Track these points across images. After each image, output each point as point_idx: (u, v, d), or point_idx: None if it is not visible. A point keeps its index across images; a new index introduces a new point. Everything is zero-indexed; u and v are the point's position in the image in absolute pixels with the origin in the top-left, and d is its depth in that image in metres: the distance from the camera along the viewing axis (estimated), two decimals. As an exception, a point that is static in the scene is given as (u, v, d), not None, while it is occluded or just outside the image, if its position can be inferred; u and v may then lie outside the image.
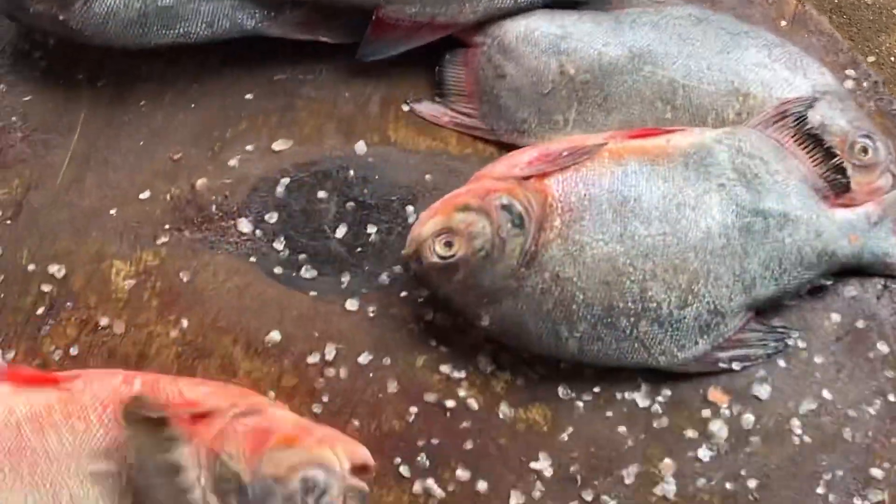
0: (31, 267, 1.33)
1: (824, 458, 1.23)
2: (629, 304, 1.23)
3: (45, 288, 1.31)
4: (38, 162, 1.41)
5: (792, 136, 1.32)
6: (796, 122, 1.32)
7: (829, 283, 1.32)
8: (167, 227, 1.36)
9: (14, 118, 1.44)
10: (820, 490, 1.21)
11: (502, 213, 1.23)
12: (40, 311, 1.30)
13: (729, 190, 1.27)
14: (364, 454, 1.08)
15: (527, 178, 1.27)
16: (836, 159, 1.31)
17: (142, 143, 1.42)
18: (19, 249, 1.34)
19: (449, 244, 1.23)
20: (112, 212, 1.37)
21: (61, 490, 1.03)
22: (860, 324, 1.30)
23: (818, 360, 1.28)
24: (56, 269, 1.33)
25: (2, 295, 1.31)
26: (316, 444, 1.06)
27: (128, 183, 1.39)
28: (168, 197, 1.38)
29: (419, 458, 1.22)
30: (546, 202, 1.25)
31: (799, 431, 1.24)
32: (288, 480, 1.03)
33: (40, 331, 1.29)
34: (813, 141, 1.32)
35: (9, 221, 1.36)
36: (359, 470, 1.08)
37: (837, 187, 1.32)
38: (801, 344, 1.29)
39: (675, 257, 1.24)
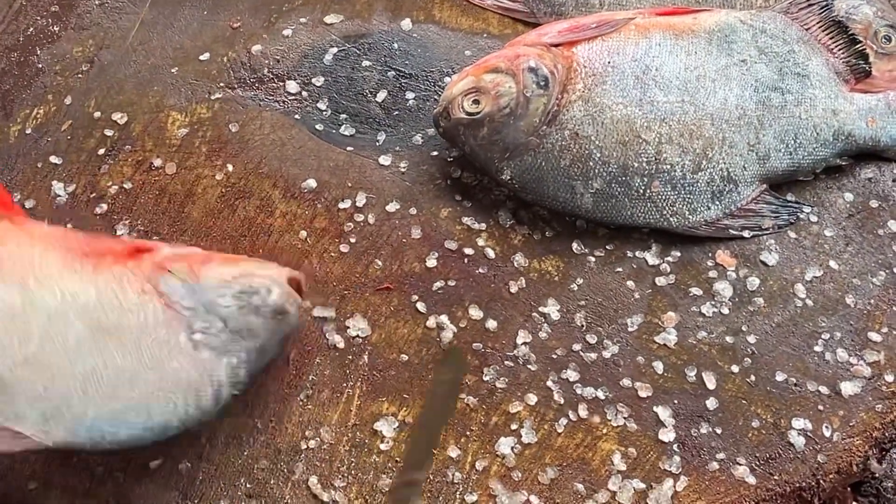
0: (96, 114, 1.45)
1: (824, 320, 1.26)
2: (644, 164, 1.29)
3: (108, 132, 1.43)
4: (111, 25, 1.53)
5: (817, 23, 1.36)
6: (822, 9, 1.37)
7: (844, 163, 1.35)
8: (222, 85, 1.46)
9: (93, -13, 1.56)
10: (818, 348, 1.25)
11: (528, 74, 1.30)
12: (101, 151, 1.41)
13: (750, 66, 1.32)
14: (296, 272, 1.18)
15: (556, 45, 1.33)
16: (858, 45, 1.35)
17: (205, 12, 1.53)
18: (88, 99, 1.46)
19: (476, 102, 1.31)
20: (173, 70, 1.48)
21: (28, 279, 1.09)
22: (873, 203, 1.34)
23: (828, 233, 1.32)
24: (119, 117, 1.44)
25: (69, 137, 1.43)
26: (251, 262, 1.18)
27: (190, 46, 1.50)
28: (225, 59, 1.48)
29: (435, 297, 1.29)
30: (571, 67, 1.31)
31: (802, 295, 1.28)
32: (233, 284, 1.13)
33: (100, 168, 1.40)
34: (837, 27, 1.36)
35: (80, 75, 1.48)
36: (294, 284, 1.18)
37: (859, 73, 1.36)
38: (812, 218, 1.33)
39: (692, 123, 1.29)
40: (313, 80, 1.46)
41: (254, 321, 1.12)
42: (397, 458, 1.19)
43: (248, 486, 1.17)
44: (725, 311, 1.27)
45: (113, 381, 1.07)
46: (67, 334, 1.07)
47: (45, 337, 1.06)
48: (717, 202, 1.31)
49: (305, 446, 1.19)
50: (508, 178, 1.31)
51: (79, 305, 1.08)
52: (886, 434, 1.21)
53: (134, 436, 1.09)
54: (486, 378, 1.23)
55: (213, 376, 1.11)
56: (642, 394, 1.22)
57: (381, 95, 1.44)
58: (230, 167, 1.39)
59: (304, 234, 1.34)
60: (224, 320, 1.11)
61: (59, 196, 1.37)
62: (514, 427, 1.20)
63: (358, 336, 1.25)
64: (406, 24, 1.49)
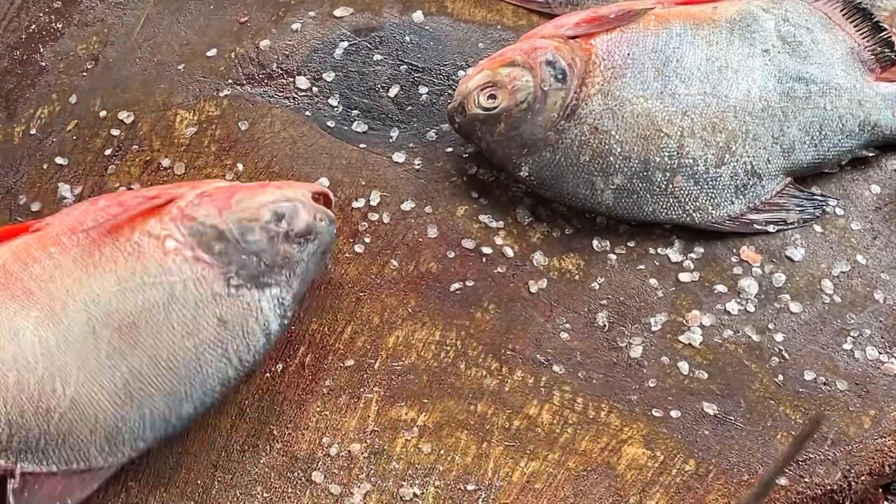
0: (102, 113, 1.41)
1: (853, 316, 1.23)
2: (665, 159, 1.25)
3: (115, 132, 1.40)
4: (116, 21, 1.50)
5: (840, 10, 1.33)
6: (846, -4, 1.33)
7: (870, 154, 1.32)
8: (230, 81, 1.43)
9: (96, -18, 1.53)
10: (846, 346, 1.22)
11: (546, 67, 1.27)
12: (108, 151, 1.38)
13: (773, 56, 1.29)
14: (320, 186, 1.19)
15: (574, 37, 1.30)
16: (883, 33, 1.32)
17: (212, 7, 1.50)
18: (93, 98, 1.43)
19: (493, 97, 1.27)
20: (180, 67, 1.44)
21: (55, 302, 1.08)
22: (901, 195, 1.31)
23: (855, 226, 1.29)
24: (125, 116, 1.41)
25: (74, 137, 1.39)
26: (275, 187, 1.17)
27: (196, 41, 1.47)
28: (233, 55, 1.45)
29: (453, 298, 1.25)
30: (590, 60, 1.28)
31: (830, 291, 1.25)
32: (259, 216, 1.12)
33: (107, 169, 1.37)
34: (861, 15, 1.33)
35: (84, 73, 1.45)
36: (320, 198, 1.18)
37: (884, 61, 1.32)
38: (839, 211, 1.30)
39: (714, 116, 1.26)
40: (324, 76, 1.42)
41: (287, 248, 1.12)
42: (417, 465, 1.16)
43: (264, 494, 1.15)
44: (751, 308, 1.24)
45: (154, 371, 1.07)
46: (99, 351, 1.07)
47: (82, 367, 1.06)
48: (741, 196, 1.28)
49: (323, 453, 1.16)
50: (526, 174, 1.28)
51: (102, 312, 1.07)
52: (919, 433, 1.18)
53: (198, 404, 1.10)
54: (506, 381, 1.20)
55: (258, 313, 1.11)
56: (668, 396, 1.19)
57: (394, 90, 1.41)
58: (240, 167, 1.36)
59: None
60: (257, 255, 1.11)
61: (66, 198, 1.34)
62: (537, 431, 1.17)
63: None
64: (418, 16, 1.46)
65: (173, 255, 1.10)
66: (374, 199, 1.33)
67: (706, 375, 1.20)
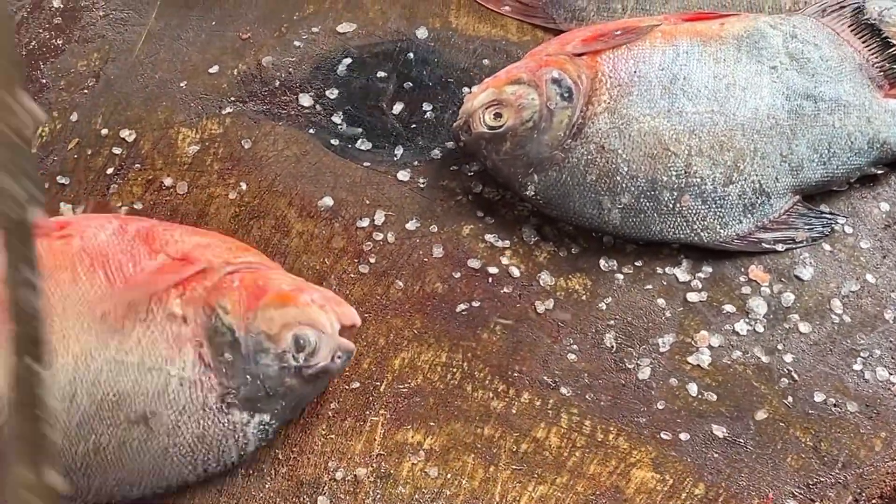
0: (104, 131, 1.40)
1: (863, 336, 1.22)
2: (673, 178, 1.24)
3: (116, 150, 1.38)
4: (117, 38, 1.48)
5: (849, 26, 1.32)
6: (854, 12, 1.32)
7: (880, 171, 1.31)
8: (232, 98, 1.42)
9: (97, -2, 1.52)
10: (857, 367, 1.21)
11: (552, 86, 1.26)
12: (110, 170, 1.37)
13: (781, 73, 1.28)
14: (353, 316, 1.12)
15: (579, 55, 1.29)
16: (892, 49, 1.31)
17: (214, 23, 1.48)
18: (94, 116, 1.41)
19: (498, 115, 1.26)
20: (182, 84, 1.43)
21: None
22: (910, 213, 1.30)
23: (864, 245, 1.28)
24: (127, 134, 1.39)
25: (76, 156, 1.38)
26: (308, 304, 1.10)
27: (198, 58, 1.45)
28: (235, 72, 1.44)
29: (459, 319, 1.24)
30: (596, 77, 1.27)
31: (839, 311, 1.24)
32: (280, 338, 1.07)
33: (109, 189, 1.35)
34: (870, 31, 1.32)
35: (85, 91, 1.44)
36: (347, 329, 1.12)
37: (893, 77, 1.31)
38: (847, 230, 1.29)
39: (722, 134, 1.25)
40: (327, 93, 1.41)
41: (294, 383, 1.08)
42: (424, 489, 1.14)
43: (270, 520, 1.13)
44: (760, 328, 1.23)
45: (117, 455, 1.04)
46: (71, 418, 1.02)
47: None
48: (749, 215, 1.26)
49: (329, 478, 1.15)
50: (533, 193, 1.27)
51: (90, 378, 1.02)
52: (930, 456, 1.17)
53: (147, 493, 1.07)
54: (513, 403, 1.19)
55: (240, 435, 1.07)
56: (676, 418, 1.18)
57: (398, 108, 1.39)
58: (244, 185, 1.34)
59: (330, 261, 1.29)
60: (262, 380, 1.07)
61: (68, 218, 1.32)
62: (544, 454, 1.16)
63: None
64: (422, 32, 1.45)
65: (182, 347, 1.05)
66: (379, 218, 1.31)
67: (715, 397, 1.19)
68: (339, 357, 1.10)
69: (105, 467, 1.04)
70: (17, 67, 0.91)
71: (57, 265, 1.06)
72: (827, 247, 1.28)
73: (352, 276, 1.28)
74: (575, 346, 1.23)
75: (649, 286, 1.27)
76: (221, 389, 1.05)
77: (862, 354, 1.21)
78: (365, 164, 1.36)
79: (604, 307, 1.25)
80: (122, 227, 1.12)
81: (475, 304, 1.26)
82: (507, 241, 1.30)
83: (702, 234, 1.26)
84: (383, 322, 1.25)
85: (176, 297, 1.07)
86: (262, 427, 1.08)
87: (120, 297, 1.05)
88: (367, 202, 1.33)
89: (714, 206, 1.25)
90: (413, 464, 1.16)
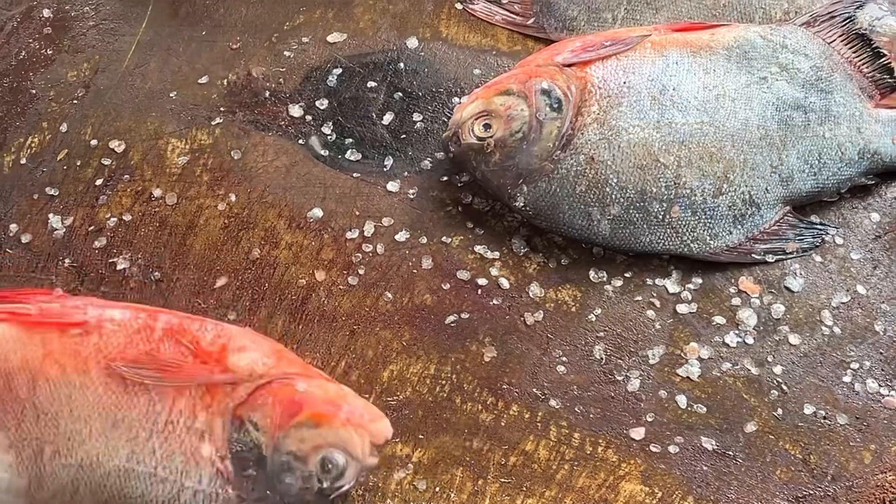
0: (93, 142, 1.40)
1: (853, 348, 1.22)
2: (662, 189, 1.24)
3: (106, 161, 1.38)
4: (107, 48, 1.48)
5: (839, 36, 1.31)
6: (844, 22, 1.31)
7: (870, 182, 1.31)
8: (222, 109, 1.41)
9: (87, 8, 1.51)
10: (846, 379, 1.20)
11: (541, 97, 1.26)
12: (99, 181, 1.36)
13: (771, 84, 1.27)
14: (386, 434, 1.07)
15: (569, 65, 1.28)
16: (883, 59, 1.30)
17: (204, 32, 1.48)
18: (84, 126, 1.41)
19: (487, 126, 1.26)
20: (172, 94, 1.43)
21: (46, 444, 0.99)
22: (901, 224, 1.29)
23: (855, 256, 1.27)
24: (116, 145, 1.39)
25: (65, 167, 1.38)
26: (342, 424, 1.04)
27: (188, 69, 1.45)
28: (225, 82, 1.43)
29: (448, 331, 1.24)
30: (585, 88, 1.26)
31: (829, 323, 1.23)
32: (308, 459, 1.03)
33: (98, 199, 1.35)
34: (860, 41, 1.31)
35: (75, 101, 1.43)
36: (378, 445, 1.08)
37: (883, 87, 1.31)
38: (838, 240, 1.29)
39: (712, 145, 1.24)
40: (317, 103, 1.41)
41: (312, 499, 1.04)
42: (412, 502, 1.14)
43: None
44: (750, 340, 1.23)
45: None
46: None
47: None
48: (739, 226, 1.26)
49: (317, 491, 1.15)
50: (522, 204, 1.26)
51: (95, 481, 0.98)
52: (920, 468, 1.16)
53: None
54: (502, 416, 1.18)
55: None
56: (666, 430, 1.17)
57: (388, 118, 1.39)
58: (233, 197, 1.34)
59: (319, 273, 1.29)
60: (282, 497, 1.03)
61: (57, 229, 1.32)
62: (533, 467, 1.16)
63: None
64: (412, 42, 1.44)
65: (202, 463, 1.01)
66: (368, 229, 1.31)
67: (704, 409, 1.19)
68: (360, 478, 1.07)
69: None
70: None
71: (68, 365, 1.01)
72: (817, 258, 1.27)
73: (341, 287, 1.27)
74: (564, 358, 1.22)
75: (639, 297, 1.26)
76: (238, 500, 1.02)
77: (852, 366, 1.21)
78: (354, 174, 1.35)
79: (593, 319, 1.25)
80: (149, 324, 1.05)
81: (464, 315, 1.25)
82: (497, 253, 1.29)
83: (692, 245, 1.26)
84: (372, 334, 1.24)
85: (202, 410, 1.02)
86: None
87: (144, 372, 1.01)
88: (357, 213, 1.33)
89: (704, 217, 1.25)
90: (402, 477, 1.16)
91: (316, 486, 1.03)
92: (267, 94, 1.42)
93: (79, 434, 0.99)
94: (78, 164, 1.38)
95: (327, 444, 1.03)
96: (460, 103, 1.32)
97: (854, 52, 1.31)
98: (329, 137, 1.38)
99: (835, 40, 1.31)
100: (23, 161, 1.38)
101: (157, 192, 1.35)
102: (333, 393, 1.07)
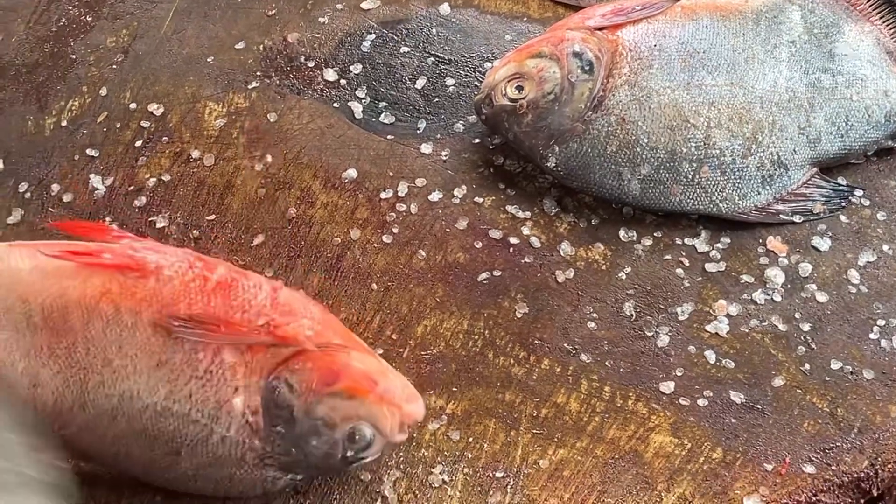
0: (132, 105, 1.43)
1: (879, 306, 1.24)
2: (692, 149, 1.26)
3: (145, 124, 1.41)
4: (145, 15, 1.51)
5: (866, 1, 1.33)
6: (872, -13, 1.33)
7: (897, 145, 1.33)
8: (258, 73, 1.44)
9: (125, -24, 1.54)
10: (873, 335, 1.22)
11: (573, 59, 1.28)
12: (139, 143, 1.39)
13: (799, 47, 1.29)
14: (419, 414, 1.09)
15: (600, 28, 1.31)
16: (910, 24, 1.32)
17: (240, 0, 1.51)
18: (123, 90, 1.44)
19: (520, 88, 1.28)
20: (209, 59, 1.46)
21: (91, 373, 1.04)
22: (927, 185, 1.31)
23: (881, 217, 1.30)
24: (155, 108, 1.42)
25: (105, 129, 1.41)
26: (375, 400, 1.06)
27: (225, 34, 1.48)
28: (261, 48, 1.46)
29: (481, 288, 1.26)
30: (617, 51, 1.29)
31: (856, 281, 1.25)
32: (337, 428, 1.05)
33: (137, 161, 1.38)
34: (887, 5, 1.33)
35: (114, 66, 1.46)
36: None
37: (910, 51, 1.32)
38: (864, 202, 1.31)
39: (741, 107, 1.27)
40: (351, 68, 1.44)
41: (337, 465, 1.07)
42: (446, 452, 1.17)
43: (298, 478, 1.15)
44: (778, 298, 1.25)
45: (144, 469, 1.07)
46: (104, 439, 1.05)
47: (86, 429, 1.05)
48: (768, 187, 1.28)
49: (353, 441, 1.17)
50: (553, 165, 1.29)
51: (134, 410, 1.03)
52: (945, 422, 1.18)
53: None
54: (534, 370, 1.21)
55: (269, 485, 1.07)
56: (695, 384, 1.20)
57: (421, 82, 1.42)
58: (269, 158, 1.37)
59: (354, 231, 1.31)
60: (307, 456, 1.05)
61: (98, 189, 1.35)
62: (564, 419, 1.18)
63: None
64: (444, 8, 1.47)
65: (233, 413, 1.04)
66: (402, 190, 1.34)
67: (733, 364, 1.21)
68: (385, 453, 1.10)
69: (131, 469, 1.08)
70: None
71: (123, 306, 1.04)
72: (844, 219, 1.30)
73: (375, 245, 1.30)
74: (595, 315, 1.25)
75: (668, 256, 1.28)
76: (262, 453, 1.05)
77: (878, 323, 1.23)
78: (388, 137, 1.38)
79: (623, 277, 1.27)
80: (205, 275, 1.07)
81: (496, 273, 1.28)
82: (528, 213, 1.32)
83: (720, 205, 1.28)
84: (406, 291, 1.27)
85: (241, 365, 1.04)
86: (291, 483, 1.08)
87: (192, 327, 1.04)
88: (391, 174, 1.35)
89: (733, 177, 1.27)
90: (436, 428, 1.18)
91: (340, 453, 1.06)
92: (302, 58, 1.45)
93: (124, 369, 1.03)
94: (118, 126, 1.41)
95: (358, 417, 1.05)
96: (492, 67, 1.34)
97: (881, 17, 1.33)
98: (363, 101, 1.41)
99: (862, 5, 1.33)
100: (63, 123, 1.42)
101: (195, 154, 1.38)
102: (373, 368, 1.09)
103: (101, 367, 1.03)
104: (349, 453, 1.06)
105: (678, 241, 1.29)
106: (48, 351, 1.03)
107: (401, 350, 1.23)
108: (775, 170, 1.28)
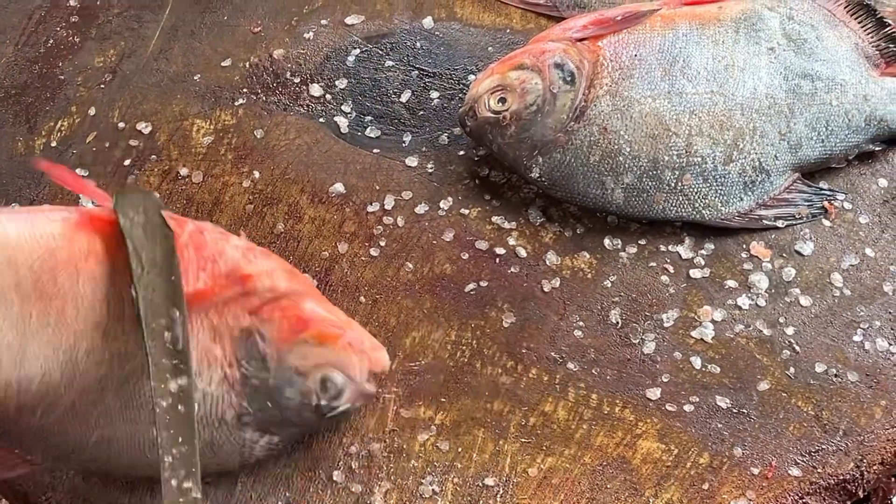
0: (121, 124, 1.44)
1: (863, 308, 1.25)
2: (674, 157, 1.27)
3: (133, 143, 1.42)
4: (132, 34, 1.53)
5: (844, 6, 1.35)
6: (849, -8, 1.35)
7: (878, 148, 1.34)
8: (245, 90, 1.45)
9: (112, -4, 1.56)
10: (857, 338, 1.23)
11: (555, 70, 1.29)
12: (127, 162, 1.41)
13: (778, 54, 1.31)
14: (385, 363, 1.12)
15: (581, 40, 1.32)
16: (888, 28, 1.34)
17: (226, 17, 1.52)
18: (111, 110, 1.46)
19: (503, 100, 1.30)
20: (196, 77, 1.47)
21: (80, 342, 1.02)
22: (908, 188, 1.32)
23: (863, 220, 1.31)
24: (143, 126, 1.43)
25: (94, 149, 1.42)
26: (346, 347, 1.10)
27: (211, 52, 1.49)
28: (247, 65, 1.48)
29: (468, 299, 1.28)
30: (598, 61, 1.30)
31: (839, 284, 1.27)
32: (309, 376, 1.08)
33: (127, 179, 1.39)
34: (865, 11, 1.35)
35: (102, 86, 1.48)
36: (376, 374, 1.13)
37: (889, 56, 1.34)
38: (847, 205, 1.32)
39: (722, 114, 1.28)
40: (336, 83, 1.45)
41: (311, 417, 1.09)
42: (436, 463, 1.18)
43: (287, 494, 1.17)
44: (762, 302, 1.26)
45: (126, 444, 1.05)
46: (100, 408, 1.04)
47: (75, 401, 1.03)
48: (750, 193, 1.29)
49: (344, 453, 1.19)
50: (537, 175, 1.30)
51: (123, 374, 1.02)
52: (930, 423, 1.19)
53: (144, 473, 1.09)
54: (522, 379, 1.22)
55: (249, 451, 1.09)
56: (681, 390, 1.21)
57: (406, 96, 1.43)
58: (257, 174, 1.38)
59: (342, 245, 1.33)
60: (282, 410, 1.07)
61: (87, 208, 1.36)
62: (552, 427, 1.19)
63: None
64: (428, 22, 1.48)
65: (212, 365, 1.05)
66: (389, 203, 1.35)
67: (718, 370, 1.22)
68: (357, 402, 1.12)
69: (113, 452, 1.06)
70: None
71: (108, 266, 1.04)
72: (827, 223, 1.31)
73: (363, 259, 1.31)
74: (581, 323, 1.26)
75: (653, 263, 1.30)
76: (240, 409, 1.06)
77: (862, 326, 1.24)
78: (374, 151, 1.40)
79: (609, 285, 1.29)
80: (176, 231, 1.08)
81: (483, 283, 1.29)
82: (514, 223, 1.33)
83: (703, 211, 1.29)
84: (394, 303, 1.28)
85: (216, 317, 1.06)
86: (270, 446, 1.10)
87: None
88: (377, 188, 1.36)
89: (715, 184, 1.28)
90: (425, 438, 1.19)
91: (314, 401, 1.08)
92: (288, 74, 1.46)
93: (112, 331, 1.02)
94: (106, 145, 1.42)
95: (328, 364, 1.08)
96: (475, 79, 1.35)
97: (859, 22, 1.34)
98: (349, 115, 1.42)
99: (840, 11, 1.35)
100: (53, 144, 1.43)
101: (183, 171, 1.39)
102: (339, 317, 1.13)
103: (91, 330, 1.01)
104: (322, 402, 1.08)
105: (662, 249, 1.30)
106: (37, 319, 1.00)
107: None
108: (757, 176, 1.29)
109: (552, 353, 1.24)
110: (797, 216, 1.30)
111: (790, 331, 1.24)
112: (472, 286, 1.29)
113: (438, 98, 1.43)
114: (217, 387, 1.06)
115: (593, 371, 1.23)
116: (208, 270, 1.07)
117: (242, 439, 1.08)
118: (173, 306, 1.01)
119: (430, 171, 1.37)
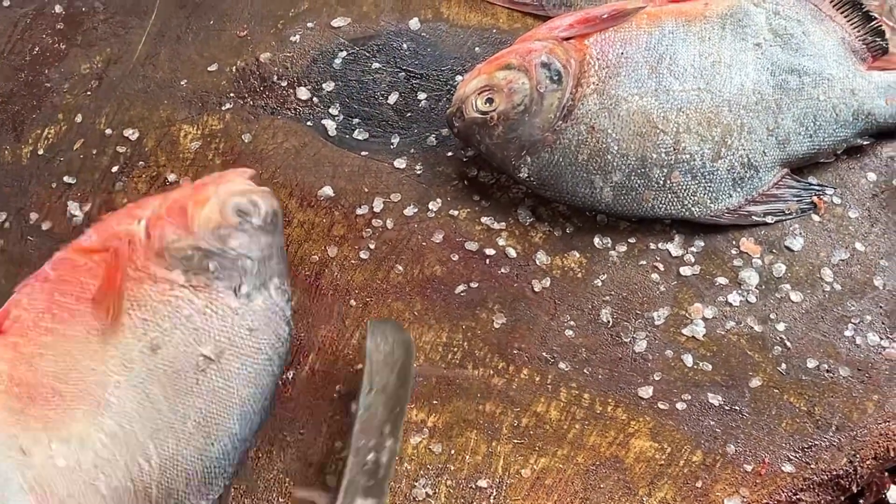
0: (108, 131, 1.44)
1: (853, 303, 1.25)
2: (662, 155, 1.27)
3: (120, 149, 1.42)
4: (118, 41, 1.52)
5: (830, 1, 1.35)
6: (835, -13, 1.34)
7: (866, 142, 1.34)
8: (232, 94, 1.45)
9: (97, 3, 1.55)
10: (848, 333, 1.23)
11: (541, 70, 1.29)
12: (115, 168, 1.40)
13: (765, 49, 1.30)
14: (245, 170, 1.21)
15: (568, 38, 1.32)
16: (874, 22, 1.33)
17: (211, 22, 1.52)
18: (98, 116, 1.45)
19: (490, 100, 1.29)
20: (182, 82, 1.47)
21: (90, 388, 1.07)
22: (896, 182, 1.32)
23: (852, 214, 1.31)
24: (130, 133, 1.43)
25: (81, 156, 1.42)
26: (215, 191, 1.16)
27: (197, 57, 1.49)
28: (234, 69, 1.47)
29: (458, 300, 1.27)
30: (584, 60, 1.30)
31: (830, 279, 1.27)
32: (228, 220, 1.13)
33: (115, 186, 1.39)
34: (851, 5, 1.34)
35: (89, 93, 1.47)
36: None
37: (875, 50, 1.34)
38: (836, 200, 1.32)
39: (709, 111, 1.28)
40: (324, 86, 1.45)
41: (266, 238, 1.14)
42: (429, 465, 1.18)
43: (280, 500, 1.17)
44: (753, 299, 1.26)
45: (216, 401, 1.10)
46: (161, 410, 1.08)
47: (154, 434, 1.07)
48: (739, 189, 1.29)
49: (335, 458, 1.18)
50: (526, 175, 1.30)
51: (142, 375, 1.07)
52: (922, 416, 1.19)
53: (263, 414, 1.14)
54: (513, 380, 1.22)
55: (275, 307, 1.14)
56: (673, 388, 1.21)
57: (393, 97, 1.43)
58: (245, 178, 1.37)
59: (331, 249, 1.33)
60: (248, 256, 1.13)
61: (76, 216, 1.36)
62: (545, 428, 1.19)
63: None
64: (414, 23, 1.48)
65: (174, 294, 1.10)
66: (378, 205, 1.35)
67: (710, 367, 1.22)
68: (265, 194, 1.17)
69: (218, 422, 1.11)
70: None
71: (33, 340, 1.10)
72: (816, 218, 1.31)
73: (353, 262, 1.31)
74: (572, 323, 1.26)
75: (643, 262, 1.30)
76: (231, 289, 1.11)
77: (853, 321, 1.24)
78: (362, 153, 1.39)
79: (599, 284, 1.28)
80: (41, 277, 1.16)
81: (473, 285, 1.29)
82: (503, 223, 1.33)
83: (693, 208, 1.29)
84: (384, 306, 1.28)
85: (140, 284, 1.11)
86: (281, 289, 1.15)
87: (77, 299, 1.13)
88: (366, 190, 1.36)
89: (704, 181, 1.28)
90: (418, 441, 1.19)
91: (253, 224, 1.14)
92: (275, 78, 1.46)
93: (97, 361, 1.08)
94: (94, 152, 1.42)
95: (224, 204, 1.14)
96: (462, 80, 1.35)
97: (845, 17, 1.34)
98: (337, 118, 1.42)
99: (826, 6, 1.34)
100: (40, 152, 1.42)
101: (171, 177, 1.39)
102: (194, 183, 1.20)
103: (87, 377, 1.07)
104: (257, 221, 1.14)
105: (652, 247, 1.30)
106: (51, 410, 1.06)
107: (381, 365, 1.24)
108: (746, 172, 1.29)
109: (543, 354, 1.24)
110: (786, 212, 1.30)
111: (781, 327, 1.24)
112: (462, 287, 1.29)
113: (426, 99, 1.42)
114: (197, 297, 1.10)
115: (585, 370, 1.23)
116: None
117: (263, 305, 1.13)
118: (389, 434, 1.10)
119: (418, 172, 1.37)
